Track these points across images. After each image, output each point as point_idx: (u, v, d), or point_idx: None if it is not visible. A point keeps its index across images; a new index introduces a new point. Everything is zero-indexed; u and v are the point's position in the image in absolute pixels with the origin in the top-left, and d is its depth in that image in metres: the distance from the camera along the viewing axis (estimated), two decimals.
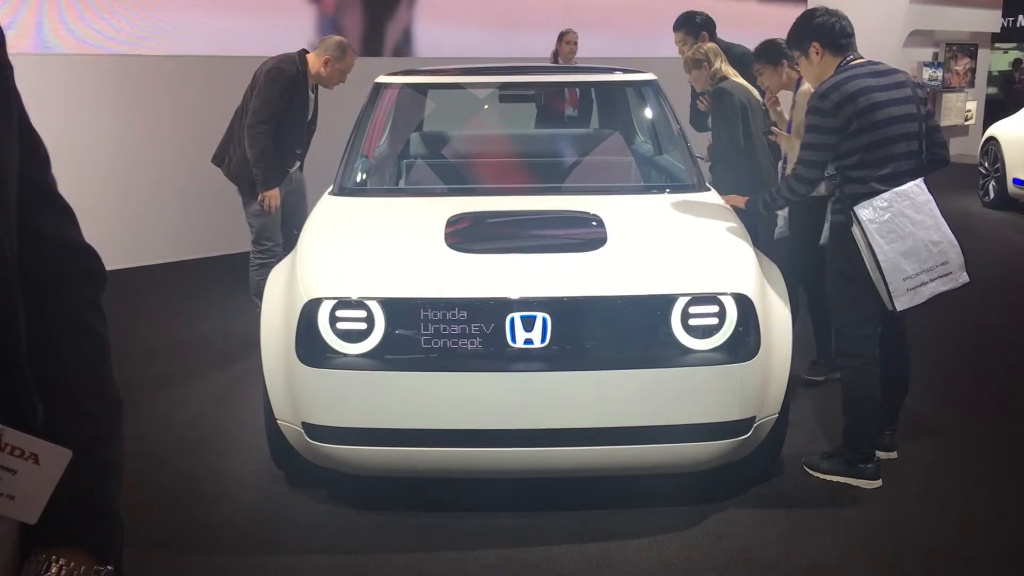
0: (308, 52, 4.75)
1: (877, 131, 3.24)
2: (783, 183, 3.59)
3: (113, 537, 1.02)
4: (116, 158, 6.58)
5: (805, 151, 3.37)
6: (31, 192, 0.95)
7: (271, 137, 4.55)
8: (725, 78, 4.67)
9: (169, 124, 6.78)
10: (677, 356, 3.03)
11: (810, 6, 3.66)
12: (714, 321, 3.05)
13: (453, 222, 3.46)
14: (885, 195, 3.22)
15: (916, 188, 3.26)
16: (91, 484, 0.99)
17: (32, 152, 0.97)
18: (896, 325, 3.51)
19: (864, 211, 3.22)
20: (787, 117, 4.42)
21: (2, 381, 0.86)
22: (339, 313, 3.02)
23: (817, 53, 3.41)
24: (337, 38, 4.80)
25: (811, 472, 3.47)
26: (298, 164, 4.92)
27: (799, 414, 3.91)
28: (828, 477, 3.44)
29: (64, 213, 1.02)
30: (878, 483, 3.39)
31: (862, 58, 3.40)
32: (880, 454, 3.48)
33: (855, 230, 3.25)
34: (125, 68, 6.60)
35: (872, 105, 3.23)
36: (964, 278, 3.31)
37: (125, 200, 6.58)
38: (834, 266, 3.42)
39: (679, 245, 3.41)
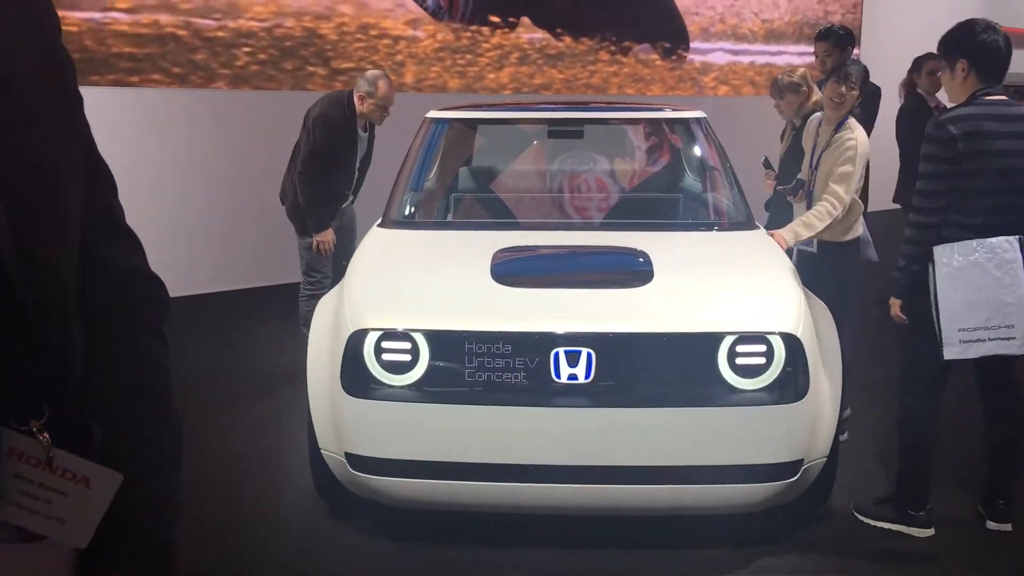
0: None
1: (986, 179, 3.05)
2: (907, 230, 3.24)
3: (165, 566, 1.02)
4: (167, 188, 6.72)
5: (922, 181, 3.14)
6: (96, 219, 0.97)
7: (320, 183, 4.63)
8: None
9: (217, 155, 6.91)
10: (723, 395, 2.99)
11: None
12: (761, 361, 3.01)
13: (499, 256, 3.47)
14: (971, 243, 3.05)
15: (1007, 244, 3.06)
16: (145, 512, 0.99)
17: (99, 180, 0.99)
18: (1004, 376, 3.29)
19: (942, 252, 3.08)
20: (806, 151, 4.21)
21: (58, 405, 0.87)
22: (384, 344, 3.04)
23: (963, 71, 3.15)
24: (372, 72, 4.81)
25: (861, 518, 3.39)
26: (350, 199, 4.99)
27: (854, 455, 3.82)
28: (878, 524, 3.35)
29: (129, 240, 1.03)
30: (930, 532, 3.29)
31: (1000, 94, 3.14)
32: (991, 524, 3.32)
33: (929, 268, 3.13)
34: (174, 101, 6.76)
35: (990, 152, 3.03)
36: None
37: (175, 230, 6.71)
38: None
39: (726, 283, 3.38)
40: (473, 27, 8.13)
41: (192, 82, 6.72)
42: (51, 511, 0.87)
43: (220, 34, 6.80)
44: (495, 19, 8.26)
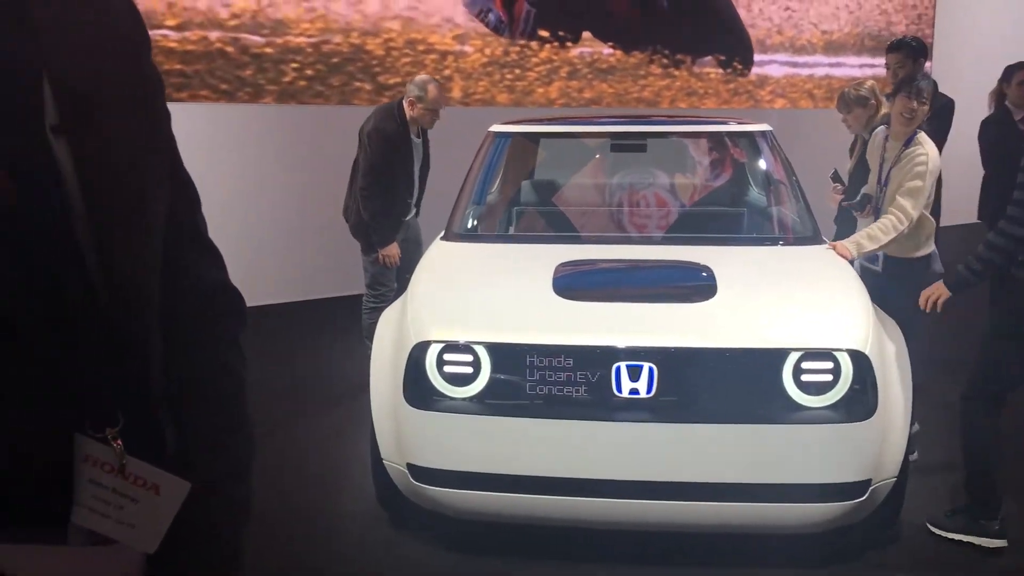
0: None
1: None
2: (994, 236, 3.13)
3: (236, 571, 1.04)
4: (234, 201, 6.86)
5: (1021, 192, 3.04)
6: (180, 232, 0.99)
7: (382, 196, 4.69)
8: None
9: (283, 169, 7.02)
10: (788, 413, 2.94)
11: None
12: (828, 378, 2.95)
13: (561, 269, 3.47)
14: None
15: None
16: (220, 518, 1.02)
17: (183, 193, 1.02)
18: None
19: None
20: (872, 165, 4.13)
21: (133, 413, 0.90)
22: (446, 356, 3.06)
23: None
24: (419, 77, 4.85)
25: (934, 529, 3.31)
26: (414, 211, 5.04)
27: (925, 470, 3.72)
28: (951, 535, 3.26)
29: (211, 253, 1.06)
30: (1002, 542, 3.19)
31: None
32: None
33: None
34: (244, 116, 6.90)
35: None
36: None
37: (239, 242, 6.84)
38: (996, 316, 3.21)
39: (792, 298, 3.33)
40: (533, 42, 8.17)
41: (239, 98, 6.83)
42: (122, 516, 0.89)
43: (268, 50, 6.91)
44: (557, 33, 8.28)
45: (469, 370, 3.03)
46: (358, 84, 7.29)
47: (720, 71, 9.24)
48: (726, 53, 9.26)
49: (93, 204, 0.84)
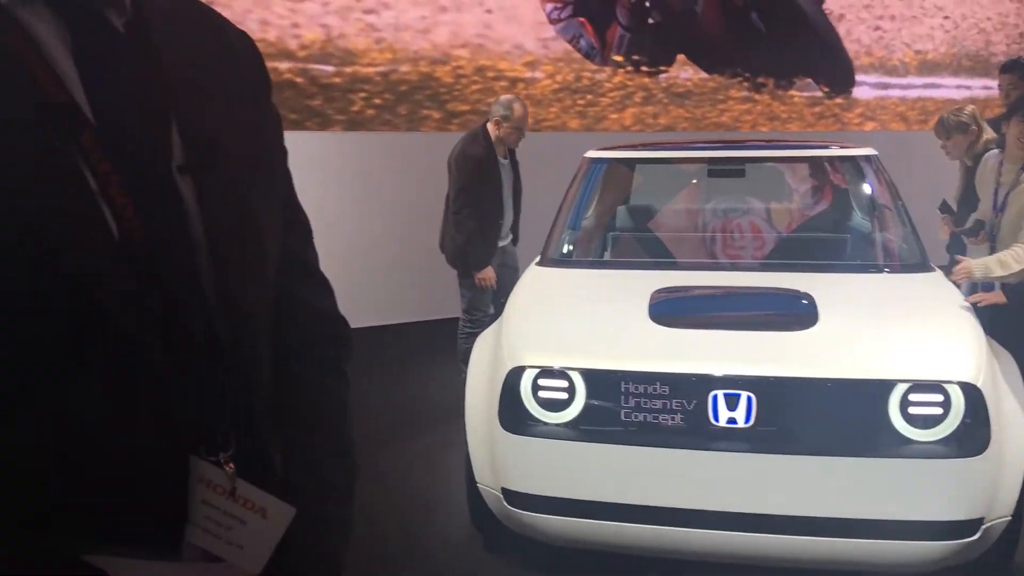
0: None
1: None
2: None
3: None
4: (333, 226, 7.00)
5: None
6: (292, 262, 1.04)
7: (475, 219, 4.75)
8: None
9: (380, 195, 7.10)
10: (894, 446, 2.84)
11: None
12: (938, 411, 2.84)
13: (658, 295, 3.44)
14: None
15: None
16: (321, 540, 1.04)
17: (296, 227, 1.07)
18: None
19: None
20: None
21: (245, 437, 0.93)
22: (541, 382, 3.06)
23: None
24: (504, 97, 4.93)
25: None
26: (511, 237, 5.09)
27: None
28: None
29: (320, 283, 1.11)
30: None
31: None
32: None
33: None
34: (347, 144, 7.06)
35: None
36: None
37: (340, 266, 6.96)
38: None
39: (899, 327, 3.21)
40: (625, 67, 8.14)
41: (308, 127, 6.94)
42: (231, 537, 0.92)
43: (336, 80, 7.02)
44: (650, 58, 8.24)
45: (564, 396, 3.03)
46: (426, 112, 7.34)
47: (803, 94, 9.02)
48: (826, 76, 9.05)
49: (214, 239, 0.88)
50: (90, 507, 0.83)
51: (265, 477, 0.95)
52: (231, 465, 0.90)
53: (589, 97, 8.09)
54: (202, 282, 0.87)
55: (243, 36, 1.03)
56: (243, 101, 0.97)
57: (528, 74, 7.80)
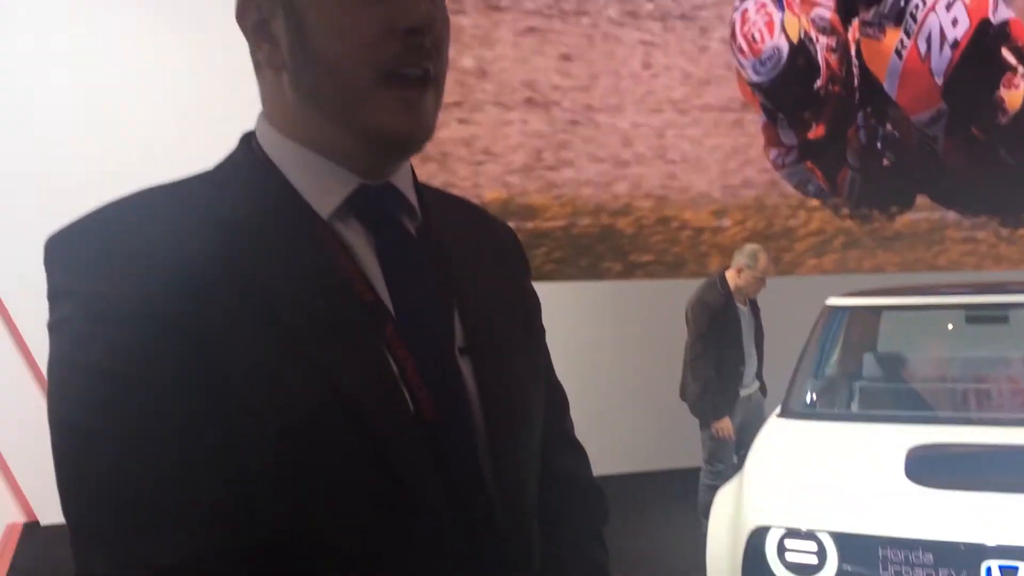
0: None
1: None
2: None
3: None
4: (574, 373, 7.08)
5: None
6: (553, 435, 1.10)
7: (711, 368, 4.69)
8: None
9: (617, 341, 7.13)
10: None
11: None
12: None
13: (915, 453, 3.22)
14: None
15: None
16: None
17: (555, 399, 1.13)
18: None
19: None
20: None
21: None
22: (788, 543, 2.91)
23: None
24: (749, 246, 4.90)
25: None
26: (758, 384, 4.98)
27: None
28: None
29: (579, 453, 1.17)
30: None
31: None
32: None
33: None
34: (585, 292, 7.20)
35: None
36: None
37: (579, 413, 7.01)
38: None
39: None
40: (863, 211, 7.84)
41: None
42: None
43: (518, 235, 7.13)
44: (884, 201, 7.87)
45: (814, 560, 2.86)
46: (607, 265, 7.25)
47: None
48: None
49: (490, 417, 0.95)
50: None
51: None
52: None
53: (783, 242, 7.78)
54: (480, 459, 0.94)
55: (503, 224, 1.16)
56: (509, 285, 1.07)
57: (715, 223, 7.60)
